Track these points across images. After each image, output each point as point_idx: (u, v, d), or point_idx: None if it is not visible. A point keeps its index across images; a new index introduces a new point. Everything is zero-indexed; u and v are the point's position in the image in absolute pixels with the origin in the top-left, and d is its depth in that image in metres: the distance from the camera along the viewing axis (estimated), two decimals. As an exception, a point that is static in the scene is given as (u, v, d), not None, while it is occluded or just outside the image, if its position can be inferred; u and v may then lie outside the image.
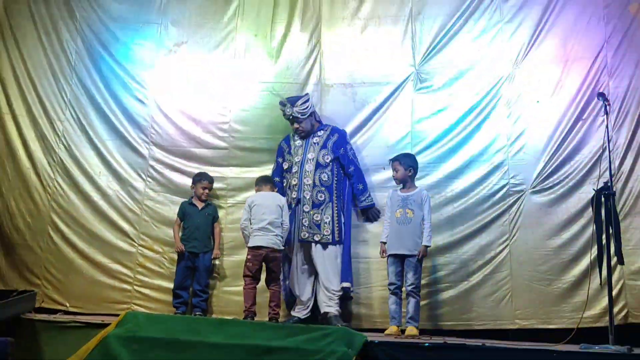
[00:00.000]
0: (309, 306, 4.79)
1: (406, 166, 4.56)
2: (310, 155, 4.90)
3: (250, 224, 4.67)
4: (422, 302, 4.49)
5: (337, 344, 3.59)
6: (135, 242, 5.21)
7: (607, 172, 3.82)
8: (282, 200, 4.78)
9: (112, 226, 5.25)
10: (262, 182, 4.89)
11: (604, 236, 3.72)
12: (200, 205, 5.10)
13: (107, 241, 5.21)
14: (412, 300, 4.32)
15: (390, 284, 4.42)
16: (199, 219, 5.05)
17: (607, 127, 3.92)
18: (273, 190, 4.85)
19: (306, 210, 4.78)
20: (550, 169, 4.65)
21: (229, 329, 3.94)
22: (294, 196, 4.83)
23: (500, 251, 4.66)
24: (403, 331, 4.28)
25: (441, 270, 4.75)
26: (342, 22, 5.39)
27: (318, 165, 4.86)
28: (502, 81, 4.92)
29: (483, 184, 4.82)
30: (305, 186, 4.82)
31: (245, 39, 5.49)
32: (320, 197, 4.80)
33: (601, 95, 4.08)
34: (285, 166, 5.00)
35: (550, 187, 4.64)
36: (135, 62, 5.54)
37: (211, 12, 5.57)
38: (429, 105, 5.10)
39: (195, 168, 5.28)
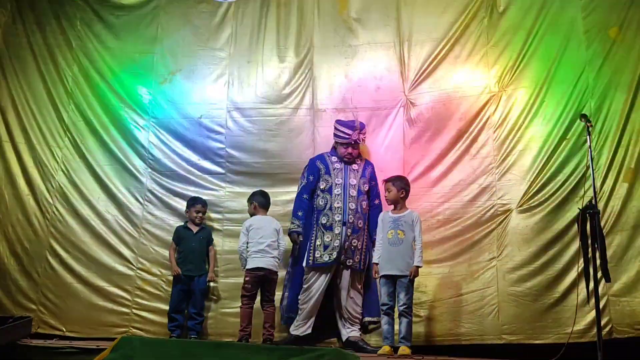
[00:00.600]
0: (311, 325, 4.78)
1: (399, 187, 4.61)
2: (352, 181, 4.88)
3: (247, 247, 4.76)
4: (414, 319, 4.50)
5: (329, 364, 3.62)
6: (133, 265, 5.27)
7: (591, 191, 3.86)
8: (278, 224, 4.89)
9: (110, 250, 5.32)
10: (259, 204, 4.94)
11: (589, 253, 3.76)
12: (195, 229, 5.18)
13: (105, 265, 5.27)
14: (404, 320, 4.34)
15: (382, 304, 4.44)
16: (193, 242, 5.12)
17: (589, 146, 3.97)
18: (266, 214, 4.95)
19: (348, 234, 4.74)
20: (535, 189, 4.71)
21: (224, 351, 3.97)
22: (338, 219, 4.77)
23: (488, 268, 4.70)
24: (396, 350, 4.31)
25: (431, 288, 4.81)
26: (334, 49, 5.53)
27: (359, 192, 4.86)
28: (488, 104, 5.00)
29: (472, 206, 4.86)
30: (350, 210, 4.78)
31: (239, 65, 5.63)
32: (359, 224, 4.81)
33: (583, 116, 4.13)
34: (322, 186, 4.90)
35: (536, 206, 4.68)
36: (132, 89, 5.66)
37: (204, 40, 5.71)
38: (420, 130, 5.18)
39: (192, 192, 5.36)
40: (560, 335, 4.27)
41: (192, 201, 5.23)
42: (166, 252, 5.22)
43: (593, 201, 3.77)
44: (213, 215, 5.36)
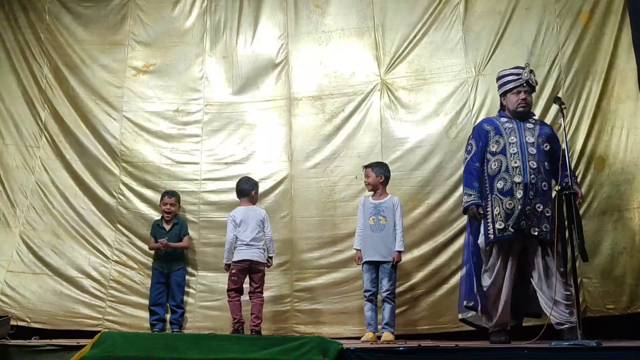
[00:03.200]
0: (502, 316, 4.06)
1: (377, 173, 4.60)
2: (529, 139, 4.06)
3: (236, 240, 4.70)
4: (399, 309, 4.54)
5: (312, 353, 3.60)
6: (109, 258, 5.22)
7: (568, 174, 3.88)
8: (263, 212, 4.83)
9: (86, 243, 5.26)
10: (238, 193, 4.88)
11: (567, 234, 3.81)
12: (167, 226, 5.13)
13: (79, 257, 5.22)
14: (387, 307, 4.36)
15: (365, 290, 4.44)
16: (165, 240, 5.05)
17: (564, 128, 3.97)
18: (252, 203, 4.88)
19: (530, 197, 3.93)
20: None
21: (206, 343, 3.92)
22: (518, 180, 3.94)
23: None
24: (379, 337, 4.33)
25: (417, 277, 4.82)
26: (308, 37, 5.49)
27: (539, 151, 4.04)
28: (465, 89, 5.01)
29: (453, 193, 4.86)
30: (531, 170, 3.97)
31: (215, 59, 5.58)
32: (544, 186, 3.99)
33: (557, 99, 4.14)
34: (493, 148, 4.10)
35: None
36: (103, 82, 5.57)
37: (179, 34, 5.65)
38: (397, 115, 5.18)
39: (166, 184, 5.32)
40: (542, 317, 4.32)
41: (162, 196, 5.19)
42: (141, 245, 5.21)
43: (569, 182, 3.81)
44: (189, 207, 5.32)
